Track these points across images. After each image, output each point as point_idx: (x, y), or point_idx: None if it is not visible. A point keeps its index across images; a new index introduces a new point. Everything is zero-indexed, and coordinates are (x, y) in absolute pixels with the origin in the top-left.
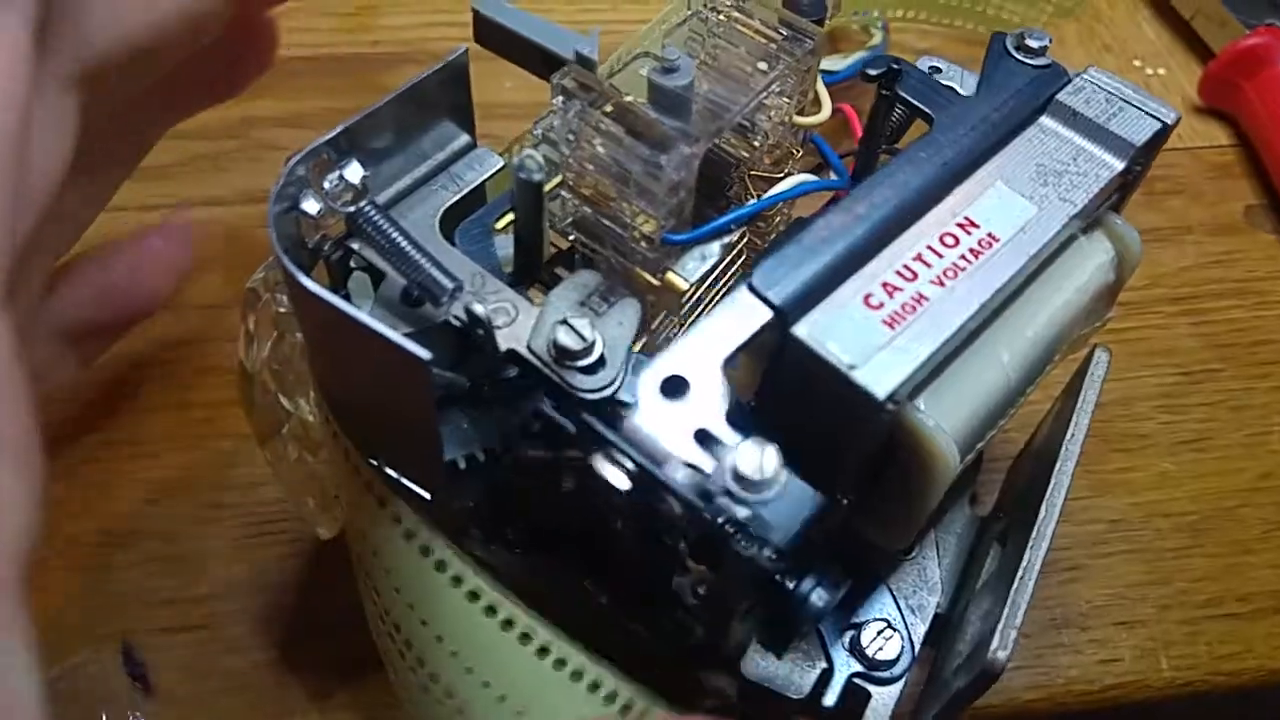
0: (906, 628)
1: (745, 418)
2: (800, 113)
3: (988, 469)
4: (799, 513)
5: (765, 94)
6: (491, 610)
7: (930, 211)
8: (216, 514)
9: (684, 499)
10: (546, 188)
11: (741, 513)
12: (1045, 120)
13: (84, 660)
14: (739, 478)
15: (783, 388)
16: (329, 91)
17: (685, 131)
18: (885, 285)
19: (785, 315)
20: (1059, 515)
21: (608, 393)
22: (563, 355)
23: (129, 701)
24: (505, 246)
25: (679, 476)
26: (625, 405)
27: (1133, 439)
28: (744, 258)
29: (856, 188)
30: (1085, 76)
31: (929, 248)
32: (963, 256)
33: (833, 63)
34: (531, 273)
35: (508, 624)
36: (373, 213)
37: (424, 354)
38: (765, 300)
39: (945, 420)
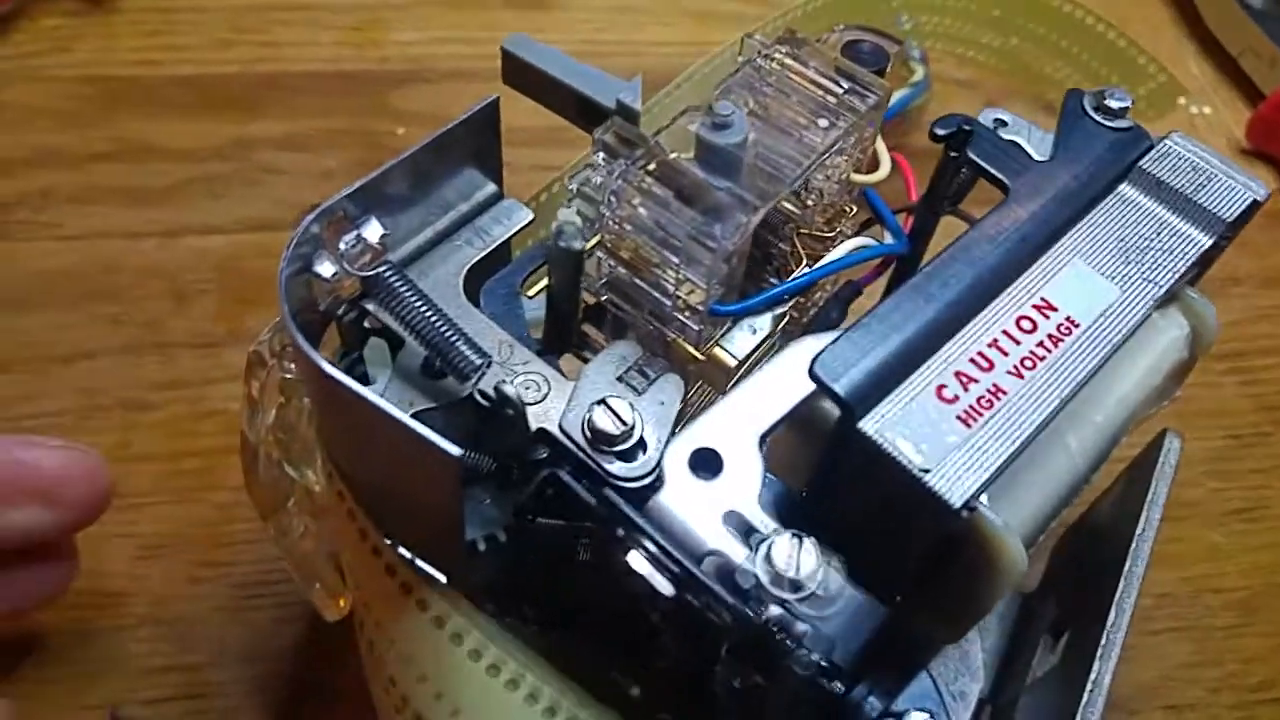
0: (949, 717)
1: (794, 507)
2: (857, 169)
3: None
4: (862, 631)
5: (828, 154)
6: (533, 698)
7: (1005, 290)
8: (210, 573)
9: (728, 604)
10: (592, 242)
11: (800, 627)
12: (1126, 189)
13: None
14: (772, 572)
15: (843, 483)
16: (331, 111)
17: (740, 197)
18: (959, 375)
19: (852, 409)
20: (1130, 620)
21: (647, 481)
22: (599, 439)
23: None
24: (532, 307)
25: (711, 568)
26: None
27: (1180, 507)
28: (786, 319)
29: (928, 264)
30: (1170, 141)
31: (1005, 333)
32: (1040, 344)
33: None
34: (564, 340)
35: (550, 712)
36: (393, 279)
37: (455, 452)
38: (830, 392)
39: (1013, 517)
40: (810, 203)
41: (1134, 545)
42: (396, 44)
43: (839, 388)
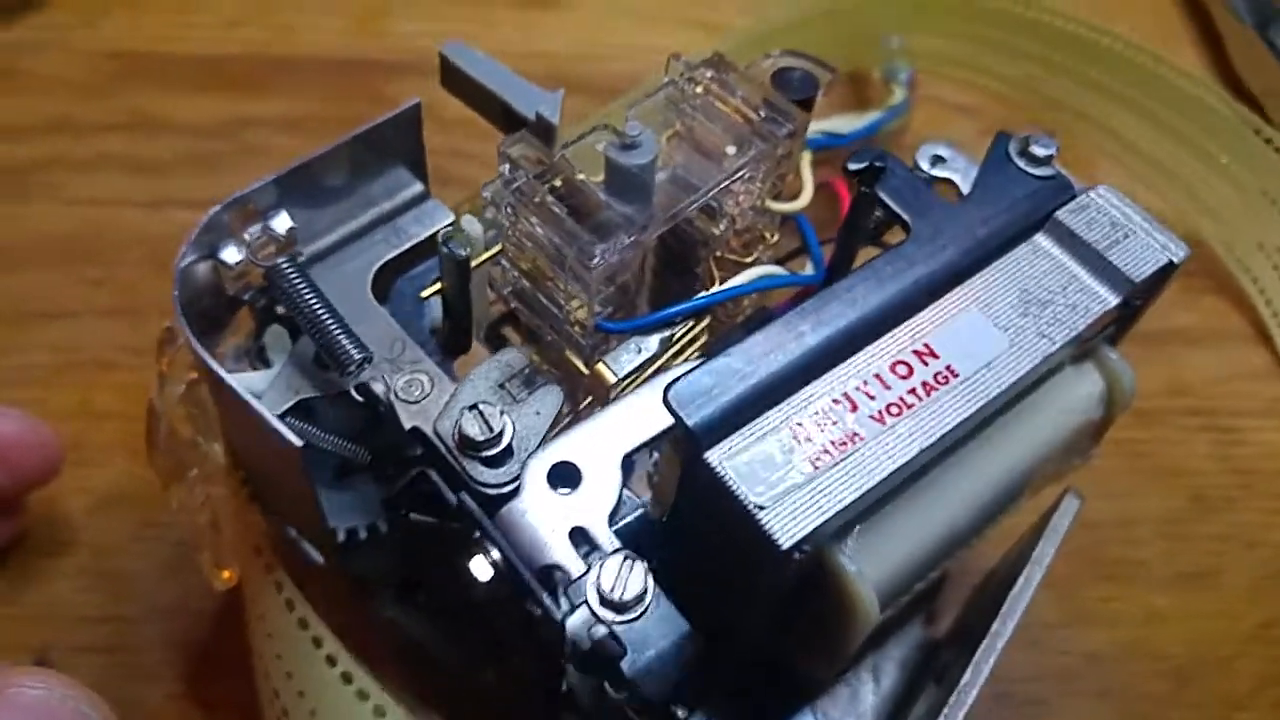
0: None
1: (650, 532)
2: (778, 196)
3: (954, 584)
4: (686, 661)
5: (731, 180)
6: (363, 695)
7: (890, 333)
8: (153, 533)
9: (544, 607)
10: (488, 253)
11: (617, 649)
12: (1039, 239)
13: None
14: (599, 593)
15: (691, 511)
16: (328, 96)
17: (630, 219)
18: (818, 416)
19: (698, 439)
20: (985, 680)
21: (508, 489)
22: (465, 443)
23: None
24: (438, 308)
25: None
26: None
27: (1126, 565)
28: (702, 340)
29: (805, 302)
30: (1093, 194)
31: (877, 376)
32: (912, 390)
33: (845, 122)
34: (460, 343)
35: (379, 712)
36: (288, 270)
37: (296, 442)
38: (679, 419)
39: (871, 566)
40: (722, 227)
41: (1005, 605)
42: (397, 35)
43: (688, 415)
